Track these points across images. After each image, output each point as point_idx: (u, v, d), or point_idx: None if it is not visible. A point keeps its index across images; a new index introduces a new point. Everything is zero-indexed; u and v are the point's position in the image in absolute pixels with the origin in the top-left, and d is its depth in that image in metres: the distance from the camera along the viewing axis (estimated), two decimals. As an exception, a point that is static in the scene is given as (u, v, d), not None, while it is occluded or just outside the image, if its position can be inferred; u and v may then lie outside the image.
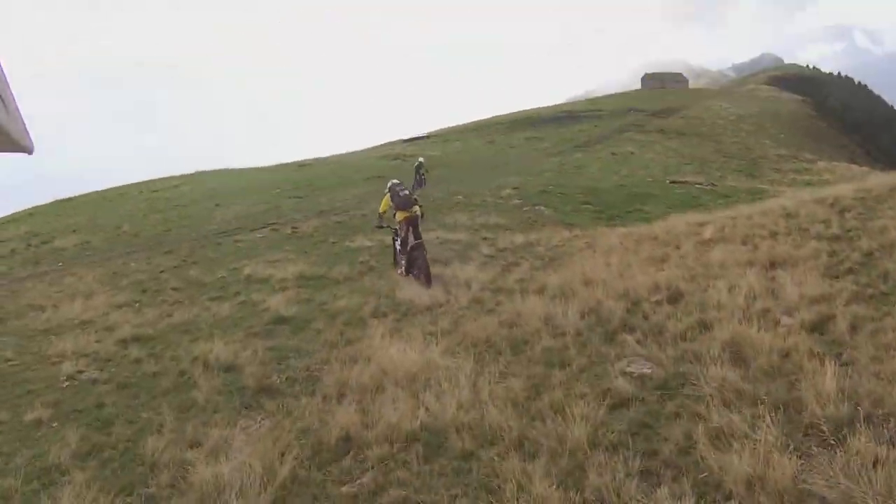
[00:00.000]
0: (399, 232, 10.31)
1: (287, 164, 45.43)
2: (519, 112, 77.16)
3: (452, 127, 70.88)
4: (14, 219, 28.27)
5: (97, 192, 35.28)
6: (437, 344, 6.95)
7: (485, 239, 15.58)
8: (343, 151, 50.68)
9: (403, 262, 10.07)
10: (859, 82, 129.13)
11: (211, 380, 6.91)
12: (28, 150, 2.26)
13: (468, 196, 22.50)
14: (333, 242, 16.78)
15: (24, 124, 2.21)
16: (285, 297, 10.34)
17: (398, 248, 10.41)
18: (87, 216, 26.90)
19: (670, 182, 28.38)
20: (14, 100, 2.14)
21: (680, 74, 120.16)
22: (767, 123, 67.07)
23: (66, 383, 7.21)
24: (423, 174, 26.67)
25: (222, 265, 15.47)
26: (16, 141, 2.13)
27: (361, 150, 54.29)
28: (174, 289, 12.38)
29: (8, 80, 2.05)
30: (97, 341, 8.80)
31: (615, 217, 19.92)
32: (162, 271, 14.38)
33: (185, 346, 8.39)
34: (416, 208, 9.99)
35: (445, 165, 36.09)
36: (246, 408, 6.25)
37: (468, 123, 70.86)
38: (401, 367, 6.22)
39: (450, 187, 25.49)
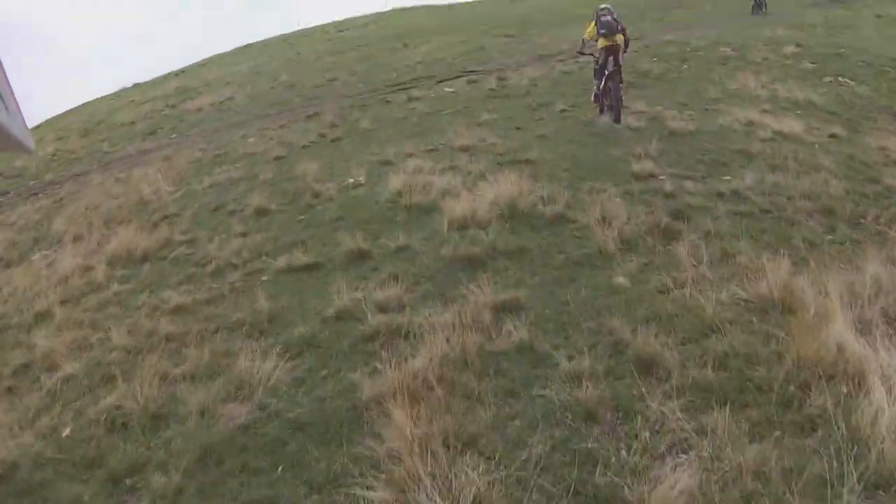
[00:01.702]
0: (598, 60, 9.22)
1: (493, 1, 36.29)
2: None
3: None
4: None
5: (281, 36, 30.49)
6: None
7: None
8: None
9: (596, 86, 9.39)
10: None
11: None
12: (29, 149, 2.24)
13: (740, 48, 15.70)
14: (562, 111, 10.56)
15: (24, 123, 2.16)
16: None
17: (595, 77, 9.47)
18: (254, 63, 22.02)
19: None
20: (14, 98, 2.04)
21: None
22: None
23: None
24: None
25: (369, 149, 8.92)
26: (16, 140, 2.06)
27: None
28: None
29: (8, 78, 1.98)
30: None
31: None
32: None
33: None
34: (619, 37, 8.86)
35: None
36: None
37: None
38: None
39: (705, 30, 18.30)
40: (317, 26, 32.72)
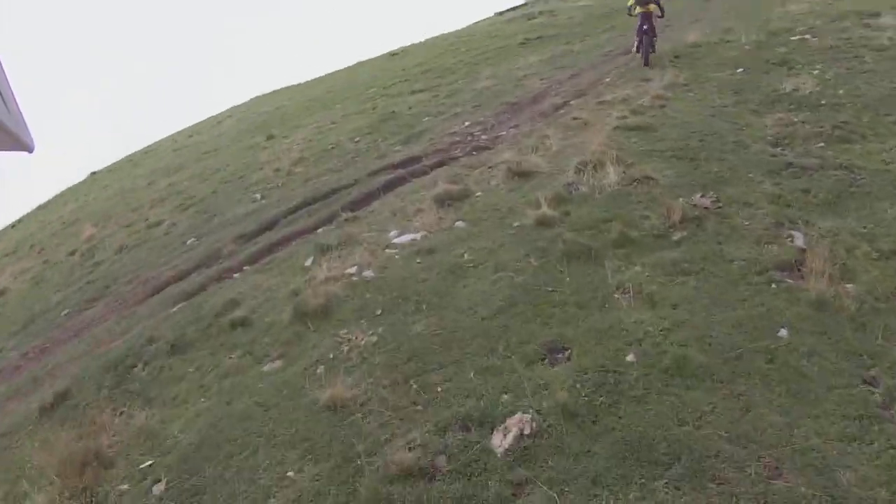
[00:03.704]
0: (638, 20, 11.79)
1: (372, 60, 30.92)
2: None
3: None
4: None
5: (129, 158, 23.08)
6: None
7: None
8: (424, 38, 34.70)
9: (636, 42, 12.11)
10: None
11: None
12: (28, 148, 2.24)
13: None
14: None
15: (24, 122, 2.20)
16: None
17: (636, 34, 12.12)
18: (78, 205, 14.46)
19: None
20: (14, 98, 2.11)
21: None
22: None
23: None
24: None
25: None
26: (16, 139, 2.10)
27: (460, 30, 37.55)
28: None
29: (8, 77, 2.02)
30: None
31: None
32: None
33: None
34: (652, 6, 11.49)
35: None
36: None
37: None
38: None
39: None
40: (169, 136, 25.68)
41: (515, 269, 5.28)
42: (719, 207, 5.69)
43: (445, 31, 35.87)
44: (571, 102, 10.96)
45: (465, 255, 5.81)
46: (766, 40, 11.58)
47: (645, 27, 11.56)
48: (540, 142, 8.75)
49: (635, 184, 6.31)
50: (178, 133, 27.21)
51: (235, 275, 7.70)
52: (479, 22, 38.00)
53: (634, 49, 12.16)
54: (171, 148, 22.69)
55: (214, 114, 29.27)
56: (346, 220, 8.19)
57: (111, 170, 24.25)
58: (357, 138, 12.69)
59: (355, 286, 5.92)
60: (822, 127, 7.34)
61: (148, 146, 26.69)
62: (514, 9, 40.20)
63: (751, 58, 10.61)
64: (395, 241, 6.88)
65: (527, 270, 5.21)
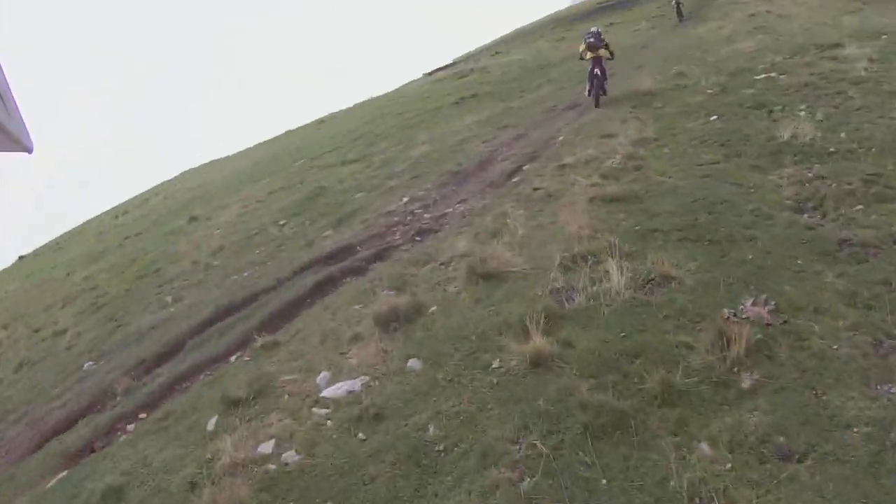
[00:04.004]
0: (589, 65, 11.96)
1: (302, 128, 29.36)
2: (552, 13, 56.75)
3: (485, 46, 51.50)
4: None
5: (53, 243, 20.23)
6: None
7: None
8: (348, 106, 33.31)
9: (588, 86, 12.14)
10: None
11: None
12: (28, 149, 2.23)
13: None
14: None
15: (23, 124, 2.21)
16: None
17: (588, 78, 12.18)
18: None
19: None
20: (14, 99, 2.11)
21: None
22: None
23: None
24: (681, 10, 23.20)
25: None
26: (16, 140, 2.09)
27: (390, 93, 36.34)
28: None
29: (8, 79, 2.03)
30: None
31: None
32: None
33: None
34: (602, 51, 11.79)
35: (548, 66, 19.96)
36: None
37: (504, 36, 51.33)
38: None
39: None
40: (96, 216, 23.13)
41: (512, 461, 3.30)
42: (784, 322, 3.96)
43: (373, 96, 34.89)
44: (525, 167, 9.37)
45: (431, 429, 3.80)
46: (727, 82, 10.48)
47: (596, 71, 11.76)
48: (500, 223, 6.98)
49: (651, 287, 4.55)
50: (106, 213, 24.64)
51: (129, 426, 5.73)
52: (407, 84, 37.15)
53: (586, 93, 12.28)
54: (97, 230, 20.18)
55: (142, 191, 26.87)
56: (262, 346, 6.10)
57: (38, 254, 21.95)
58: (283, 221, 10.78)
59: (272, 485, 3.81)
60: (849, 184, 5.89)
61: (79, 225, 24.23)
62: (443, 68, 39.67)
63: (719, 102, 9.38)
64: (326, 392, 4.81)
65: (534, 465, 3.24)
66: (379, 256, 7.72)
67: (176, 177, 27.66)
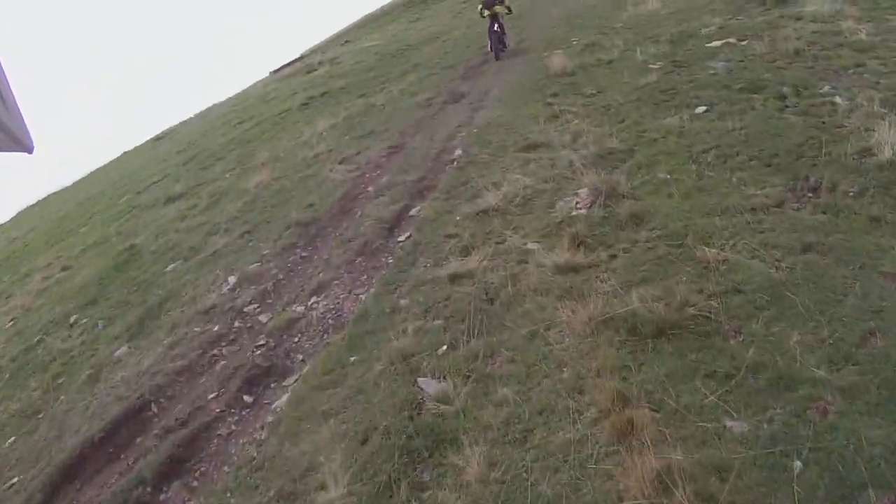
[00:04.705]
0: (489, 23, 12.06)
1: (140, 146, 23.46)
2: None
3: (333, 35, 45.92)
4: None
5: None
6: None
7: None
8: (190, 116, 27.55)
9: (488, 43, 12.08)
10: None
11: None
12: (28, 148, 2.09)
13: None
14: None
15: (24, 123, 2.09)
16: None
17: (488, 34, 12.25)
18: None
19: None
20: (14, 98, 2.00)
21: None
22: None
23: None
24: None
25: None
26: (16, 139, 1.98)
27: (224, 101, 30.05)
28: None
29: (8, 77, 1.96)
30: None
31: None
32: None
33: None
34: (498, 7, 11.77)
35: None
36: None
37: (354, 23, 46.37)
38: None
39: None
40: None
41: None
42: None
43: (218, 101, 28.85)
44: (416, 211, 5.76)
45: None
46: (673, 53, 7.54)
47: (495, 27, 12.00)
48: (403, 389, 3.34)
49: None
50: None
51: None
52: (252, 85, 31.37)
53: (488, 48, 12.38)
54: None
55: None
56: None
57: None
58: (74, 317, 6.83)
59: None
60: None
61: None
62: (289, 64, 34.20)
63: (688, 83, 6.35)
64: None
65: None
66: (177, 463, 3.75)
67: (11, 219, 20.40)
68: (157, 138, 24.53)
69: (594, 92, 7.05)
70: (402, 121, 9.13)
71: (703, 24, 8.37)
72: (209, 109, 26.82)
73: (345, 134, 9.50)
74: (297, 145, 10.01)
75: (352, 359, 3.87)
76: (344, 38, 31.58)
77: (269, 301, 5.30)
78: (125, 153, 24.77)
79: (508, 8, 12.09)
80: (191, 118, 26.46)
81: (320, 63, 22.05)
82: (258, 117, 15.05)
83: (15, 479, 4.19)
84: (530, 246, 4.14)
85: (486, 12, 11.92)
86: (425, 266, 4.55)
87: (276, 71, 33.60)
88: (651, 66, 7.26)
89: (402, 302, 4.21)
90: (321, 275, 5.32)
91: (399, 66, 14.41)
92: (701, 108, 5.49)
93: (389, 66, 15.15)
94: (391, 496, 2.73)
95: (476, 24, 17.87)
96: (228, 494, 3.24)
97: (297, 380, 4.04)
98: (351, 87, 13.85)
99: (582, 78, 7.81)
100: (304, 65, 25.77)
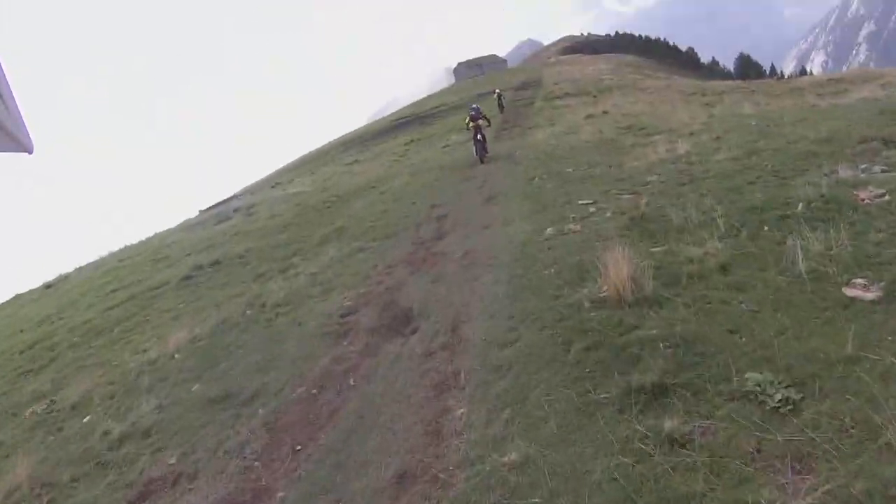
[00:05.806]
0: (473, 132, 15.22)
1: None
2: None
3: (264, 178, 43.41)
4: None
5: None
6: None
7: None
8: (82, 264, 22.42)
9: (474, 149, 15.25)
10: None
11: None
12: (28, 149, 2.03)
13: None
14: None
15: (23, 123, 2.02)
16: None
17: (473, 143, 15.44)
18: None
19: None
20: (14, 98, 1.93)
21: (495, 55, 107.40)
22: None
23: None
24: (502, 103, 29.22)
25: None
26: (16, 140, 1.91)
27: (136, 245, 24.54)
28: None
29: (7, 78, 1.91)
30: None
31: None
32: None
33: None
34: (482, 121, 15.05)
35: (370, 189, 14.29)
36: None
37: (290, 163, 44.71)
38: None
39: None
40: None
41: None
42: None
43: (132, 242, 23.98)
44: None
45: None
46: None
47: (478, 136, 14.86)
48: None
49: None
50: None
51: None
52: (168, 229, 26.88)
53: (474, 153, 15.14)
54: None
55: None
56: None
57: None
58: None
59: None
60: None
61: None
62: (217, 204, 30.49)
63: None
64: None
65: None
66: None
67: None
68: (48, 285, 19.71)
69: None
70: (301, 360, 5.32)
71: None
72: (122, 250, 22.10)
73: (209, 378, 5.60)
74: (130, 389, 5.91)
75: None
76: (275, 180, 28.80)
77: None
78: (17, 295, 19.68)
79: (488, 121, 15.71)
80: (91, 262, 21.76)
81: (236, 211, 18.70)
82: (134, 287, 11.25)
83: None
84: None
85: (472, 124, 15.11)
86: None
87: (204, 210, 29.98)
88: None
89: None
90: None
91: (320, 228, 11.13)
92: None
93: (309, 225, 11.89)
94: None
95: (423, 171, 15.31)
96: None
97: None
98: (250, 257, 10.34)
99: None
100: (223, 209, 22.40)
